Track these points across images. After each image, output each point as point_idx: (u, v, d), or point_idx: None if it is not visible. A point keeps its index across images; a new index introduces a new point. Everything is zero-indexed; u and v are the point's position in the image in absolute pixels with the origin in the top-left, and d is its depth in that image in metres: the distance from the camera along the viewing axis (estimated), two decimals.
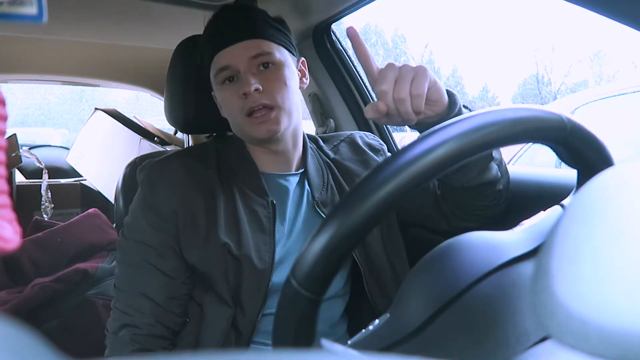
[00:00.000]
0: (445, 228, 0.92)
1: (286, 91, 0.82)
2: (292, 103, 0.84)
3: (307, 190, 0.90)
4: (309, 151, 0.93)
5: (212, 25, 0.86)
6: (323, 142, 0.99)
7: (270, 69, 0.82)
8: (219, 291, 0.81)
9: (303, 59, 0.92)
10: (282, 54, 0.84)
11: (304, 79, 0.91)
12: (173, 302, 0.82)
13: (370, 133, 1.07)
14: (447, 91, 0.71)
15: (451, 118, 0.65)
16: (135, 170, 0.92)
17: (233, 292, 0.80)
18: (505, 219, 0.60)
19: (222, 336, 0.80)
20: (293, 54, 0.88)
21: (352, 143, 1.00)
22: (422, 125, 0.71)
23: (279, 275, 0.82)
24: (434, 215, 0.92)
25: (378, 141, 1.03)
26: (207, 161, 0.87)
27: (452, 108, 0.71)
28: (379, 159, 0.98)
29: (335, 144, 0.99)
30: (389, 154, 1.01)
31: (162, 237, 0.81)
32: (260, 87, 0.79)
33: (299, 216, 0.88)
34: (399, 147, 1.08)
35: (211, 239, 0.80)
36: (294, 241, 0.86)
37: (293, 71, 0.86)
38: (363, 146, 0.99)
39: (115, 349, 0.81)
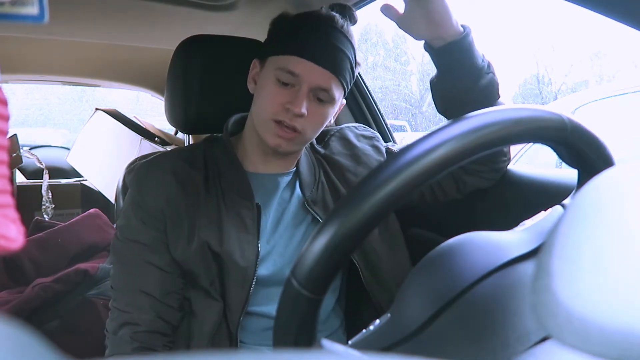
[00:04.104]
0: (454, 194, 0.95)
1: (319, 127, 0.86)
2: (316, 135, 0.88)
3: (298, 188, 0.91)
4: (303, 150, 0.93)
5: (310, 27, 0.82)
6: (315, 139, 0.99)
7: (321, 104, 0.83)
8: (204, 286, 0.83)
9: (344, 102, 0.91)
10: (339, 94, 0.85)
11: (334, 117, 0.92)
12: (171, 297, 0.83)
13: (361, 124, 1.07)
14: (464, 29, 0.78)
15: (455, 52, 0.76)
16: None
17: (218, 287, 0.82)
18: (506, 219, 0.60)
19: (212, 330, 0.81)
20: (344, 93, 0.88)
21: (342, 138, 1.01)
22: (435, 50, 0.78)
23: (263, 270, 0.84)
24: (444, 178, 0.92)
25: (370, 130, 1.04)
26: (194, 162, 0.88)
27: (458, 44, 0.76)
28: (372, 149, 0.99)
29: (325, 139, 1.00)
30: (383, 143, 1.03)
31: (153, 233, 0.83)
32: (306, 114, 0.80)
33: (286, 214, 0.89)
34: (399, 145, 1.08)
35: (193, 238, 0.82)
36: (279, 237, 0.87)
37: (335, 110, 0.87)
38: (354, 139, 1.00)
39: (115, 349, 0.82)
